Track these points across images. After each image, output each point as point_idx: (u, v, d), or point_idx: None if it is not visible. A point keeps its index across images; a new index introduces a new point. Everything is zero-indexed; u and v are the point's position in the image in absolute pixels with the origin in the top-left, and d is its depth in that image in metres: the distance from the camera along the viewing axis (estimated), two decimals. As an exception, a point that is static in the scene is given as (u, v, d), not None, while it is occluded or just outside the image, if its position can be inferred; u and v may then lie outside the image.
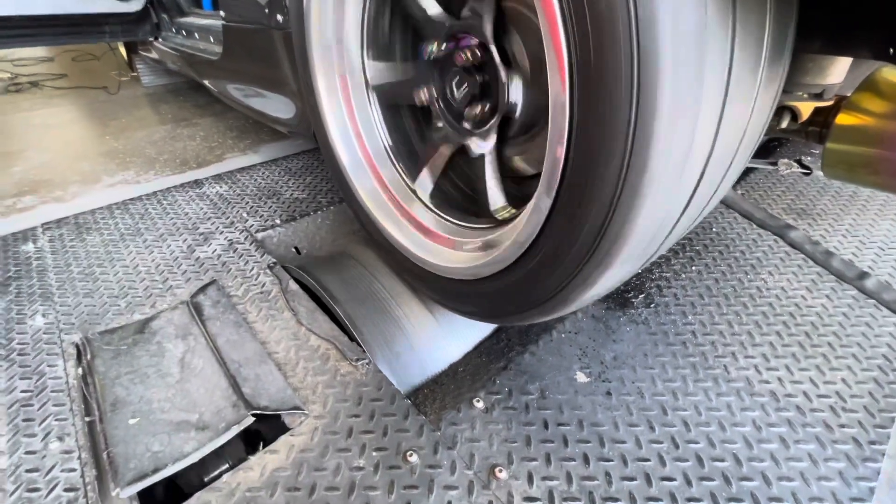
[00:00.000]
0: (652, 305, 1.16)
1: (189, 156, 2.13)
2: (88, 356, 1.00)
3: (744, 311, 1.15)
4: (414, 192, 1.09)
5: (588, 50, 0.52)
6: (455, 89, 0.91)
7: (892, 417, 0.90)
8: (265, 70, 1.43)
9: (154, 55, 2.65)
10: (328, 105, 1.10)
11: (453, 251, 0.97)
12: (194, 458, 0.80)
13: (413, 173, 1.10)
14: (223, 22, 1.57)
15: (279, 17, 1.20)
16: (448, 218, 1.04)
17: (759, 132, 0.68)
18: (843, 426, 0.88)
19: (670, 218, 0.62)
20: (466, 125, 0.92)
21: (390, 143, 1.14)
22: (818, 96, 0.90)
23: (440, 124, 0.99)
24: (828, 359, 1.02)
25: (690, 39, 0.47)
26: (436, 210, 1.05)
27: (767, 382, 0.97)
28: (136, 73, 3.29)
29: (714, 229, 1.48)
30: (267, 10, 1.24)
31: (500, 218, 0.91)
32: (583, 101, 0.55)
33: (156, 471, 0.77)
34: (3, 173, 1.96)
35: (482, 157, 0.91)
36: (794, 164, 1.37)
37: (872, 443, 0.85)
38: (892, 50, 0.66)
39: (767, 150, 1.83)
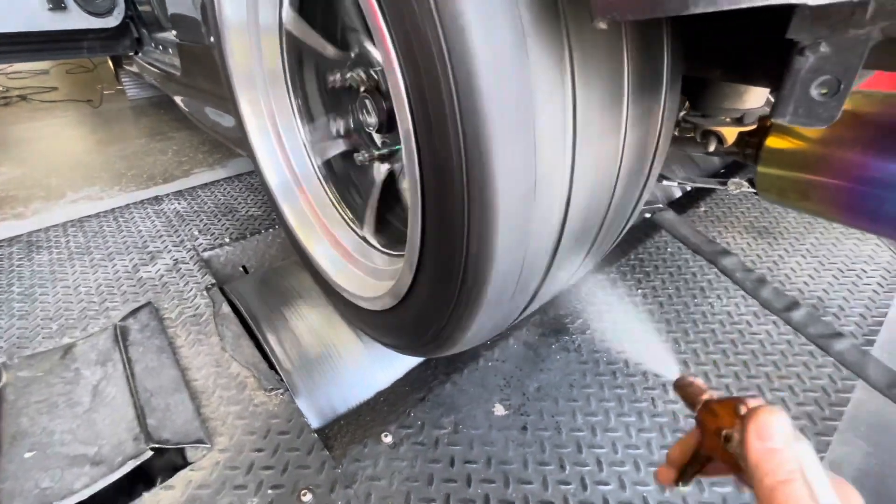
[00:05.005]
0: (588, 331, 1.13)
1: (157, 171, 2.14)
2: (2, 383, 0.99)
3: (684, 339, 1.11)
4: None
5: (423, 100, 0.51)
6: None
7: (821, 457, 0.85)
8: (211, 86, 1.42)
9: (135, 69, 2.67)
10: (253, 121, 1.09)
11: (369, 278, 0.95)
12: (83, 495, 0.78)
13: (342, 193, 1.08)
14: (177, 40, 1.57)
15: (212, 38, 1.19)
16: (373, 243, 1.01)
17: (644, 165, 0.65)
18: (766, 467, 0.84)
19: (536, 258, 0.58)
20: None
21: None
22: (738, 121, 0.87)
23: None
24: (763, 391, 0.97)
25: (511, 88, 0.44)
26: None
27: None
28: (121, 86, 3.33)
29: (669, 249, 1.44)
30: (204, 30, 1.24)
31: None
32: (425, 151, 0.54)
33: (39, 509, 0.75)
34: (-30, 189, 1.98)
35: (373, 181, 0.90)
36: (745, 183, 1.32)
37: (796, 486, 0.81)
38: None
39: (734, 168, 1.78)
